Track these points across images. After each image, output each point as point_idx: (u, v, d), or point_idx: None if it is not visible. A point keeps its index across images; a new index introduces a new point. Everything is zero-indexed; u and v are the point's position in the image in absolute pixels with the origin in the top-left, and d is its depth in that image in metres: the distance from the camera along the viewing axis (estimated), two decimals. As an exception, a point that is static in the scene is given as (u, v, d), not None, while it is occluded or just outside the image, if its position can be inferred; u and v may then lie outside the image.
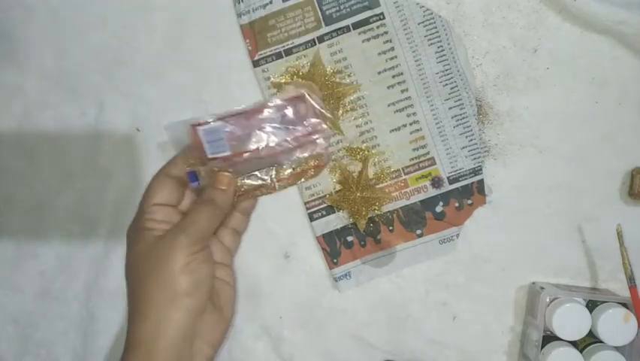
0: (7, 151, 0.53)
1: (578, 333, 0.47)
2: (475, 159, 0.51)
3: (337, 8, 0.50)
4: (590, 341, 0.48)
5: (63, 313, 0.54)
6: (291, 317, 0.53)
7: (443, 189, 0.51)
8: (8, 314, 0.54)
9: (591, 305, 0.48)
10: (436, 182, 0.51)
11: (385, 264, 0.52)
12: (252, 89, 0.51)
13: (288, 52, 0.50)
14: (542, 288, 0.49)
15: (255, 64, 0.51)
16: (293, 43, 0.50)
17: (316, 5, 0.50)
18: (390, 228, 0.51)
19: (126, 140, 0.53)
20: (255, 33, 0.50)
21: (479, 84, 0.50)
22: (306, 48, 0.50)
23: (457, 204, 0.51)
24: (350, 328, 0.53)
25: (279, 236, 0.53)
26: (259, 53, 0.50)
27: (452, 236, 0.51)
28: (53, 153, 0.53)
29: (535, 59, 0.50)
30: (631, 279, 0.47)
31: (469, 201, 0.51)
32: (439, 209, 0.51)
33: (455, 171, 0.51)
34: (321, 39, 0.50)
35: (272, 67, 0.51)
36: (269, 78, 0.51)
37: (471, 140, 0.51)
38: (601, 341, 0.47)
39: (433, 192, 0.51)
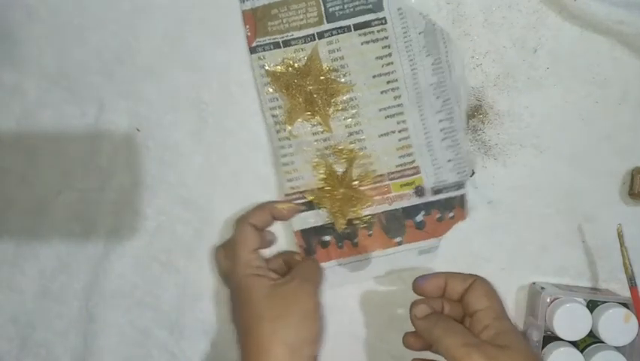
0: (7, 151, 0.53)
1: (579, 333, 0.47)
2: (459, 173, 0.51)
3: (341, 7, 0.50)
4: (590, 341, 0.48)
5: (63, 313, 0.54)
6: (291, 317, 0.53)
7: (426, 199, 0.51)
8: (8, 314, 0.54)
9: (592, 305, 0.48)
10: (419, 191, 0.51)
11: (361, 269, 0.52)
12: (252, 90, 0.51)
13: (287, 43, 0.50)
14: (543, 288, 0.49)
15: (252, 50, 0.50)
16: (292, 35, 0.50)
17: (320, 1, 0.50)
18: (370, 233, 0.51)
19: (126, 140, 0.53)
20: (256, 20, 0.50)
21: (479, 84, 0.51)
22: (305, 42, 0.50)
23: (438, 215, 0.51)
24: (350, 328, 0.53)
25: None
26: (257, 40, 0.50)
27: (431, 248, 0.52)
28: (53, 153, 0.53)
29: (536, 59, 0.50)
30: (631, 279, 0.47)
31: (451, 214, 0.51)
32: (419, 218, 0.51)
33: (439, 182, 0.51)
34: (321, 35, 0.50)
35: (269, 55, 0.50)
36: (264, 66, 0.50)
37: (457, 154, 0.51)
38: (601, 341, 0.47)
39: (415, 200, 0.51)
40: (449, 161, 0.51)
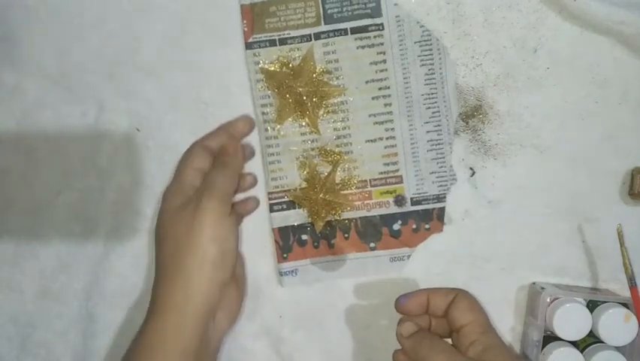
0: (7, 151, 0.53)
1: (579, 333, 0.47)
2: (441, 186, 0.51)
3: (339, 9, 0.50)
4: (590, 341, 0.48)
5: (63, 313, 0.54)
6: (291, 316, 0.53)
7: (404, 209, 0.51)
8: (8, 314, 0.54)
9: (591, 305, 0.48)
10: (399, 200, 0.51)
11: (334, 269, 0.52)
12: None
13: (283, 41, 0.50)
14: (543, 288, 0.49)
15: (248, 46, 0.51)
16: (289, 34, 0.50)
17: (319, 2, 0.50)
18: (346, 235, 0.52)
19: (126, 140, 0.53)
20: (254, 15, 0.50)
21: (479, 84, 0.51)
22: (301, 42, 0.50)
23: (414, 226, 0.51)
24: (350, 328, 0.53)
25: (279, 236, 0.52)
26: (254, 36, 0.50)
27: (403, 256, 0.52)
28: (53, 153, 0.53)
29: (536, 59, 0.50)
30: (631, 279, 0.47)
31: (427, 226, 0.51)
32: (396, 227, 0.52)
33: (420, 193, 0.51)
34: (317, 36, 0.50)
35: (264, 52, 0.51)
36: (258, 63, 0.51)
37: (441, 166, 0.51)
38: (601, 341, 0.47)
39: (394, 209, 0.51)
40: (432, 173, 0.51)
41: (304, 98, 0.50)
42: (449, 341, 0.45)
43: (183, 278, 0.42)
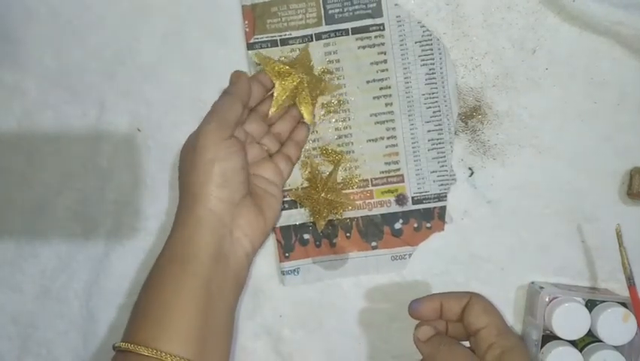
0: (7, 151, 0.53)
1: (578, 332, 0.47)
2: (442, 185, 0.51)
3: (340, 10, 0.50)
4: (589, 340, 0.48)
5: (63, 313, 0.54)
6: (291, 316, 0.53)
7: (406, 208, 0.52)
8: (8, 314, 0.54)
9: (590, 305, 0.48)
10: (401, 199, 0.52)
11: (335, 268, 0.52)
12: (252, 90, 0.51)
13: (284, 42, 0.51)
14: (542, 288, 0.49)
15: (249, 46, 0.51)
16: (290, 34, 0.50)
17: (320, 2, 0.50)
18: (348, 234, 0.52)
19: (126, 140, 0.53)
20: (255, 16, 0.50)
21: (478, 85, 0.51)
22: (302, 42, 0.51)
23: (415, 225, 0.52)
24: (350, 327, 0.53)
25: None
26: (255, 36, 0.50)
27: (405, 255, 0.52)
28: (53, 153, 0.53)
29: (535, 60, 0.50)
30: (630, 279, 0.47)
31: (428, 225, 0.52)
32: (397, 226, 0.52)
33: (421, 192, 0.51)
34: (318, 36, 0.50)
35: (265, 53, 0.51)
36: (259, 64, 0.50)
37: (442, 165, 0.51)
38: (600, 341, 0.47)
39: (395, 208, 0.52)
40: (433, 172, 0.51)
41: (305, 84, 0.49)
42: (467, 344, 0.45)
43: (189, 198, 0.43)
